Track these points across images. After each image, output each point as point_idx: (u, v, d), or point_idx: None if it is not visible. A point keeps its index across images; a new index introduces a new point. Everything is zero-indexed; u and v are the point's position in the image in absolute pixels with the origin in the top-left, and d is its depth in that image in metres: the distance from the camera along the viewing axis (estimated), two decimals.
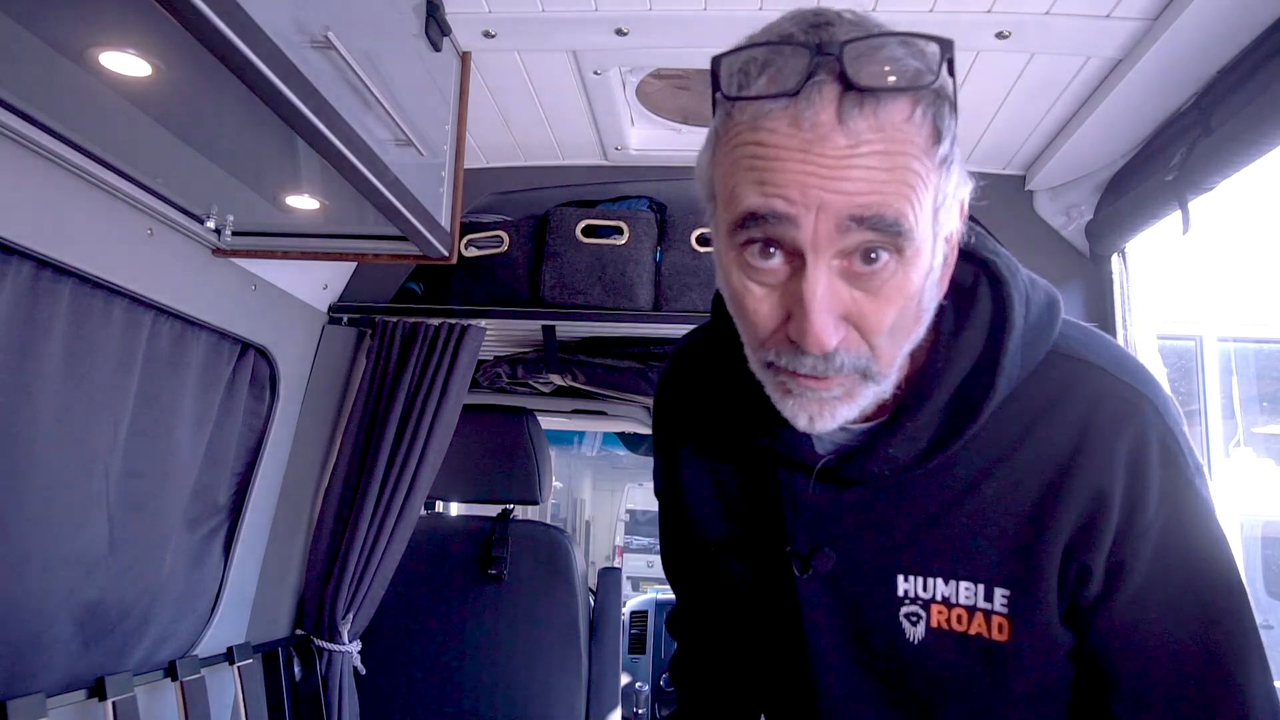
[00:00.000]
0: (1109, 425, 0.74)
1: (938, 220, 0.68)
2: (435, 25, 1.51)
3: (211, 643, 1.88)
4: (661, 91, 2.01)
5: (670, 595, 4.12)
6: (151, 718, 1.66)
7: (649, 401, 2.88)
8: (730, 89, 0.67)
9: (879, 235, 0.64)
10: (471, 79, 1.72)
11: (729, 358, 0.81)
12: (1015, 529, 0.75)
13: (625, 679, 3.33)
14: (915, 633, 0.79)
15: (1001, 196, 2.14)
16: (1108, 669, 0.77)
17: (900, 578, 0.79)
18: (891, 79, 0.63)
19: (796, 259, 0.66)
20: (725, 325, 0.80)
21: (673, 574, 1.14)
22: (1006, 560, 0.75)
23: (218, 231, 1.70)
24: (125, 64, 1.12)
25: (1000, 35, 1.60)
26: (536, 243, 2.24)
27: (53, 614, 1.47)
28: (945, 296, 0.76)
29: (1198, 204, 1.64)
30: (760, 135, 0.64)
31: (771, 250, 0.66)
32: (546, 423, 2.99)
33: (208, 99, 1.23)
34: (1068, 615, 0.77)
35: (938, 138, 0.65)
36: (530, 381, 2.49)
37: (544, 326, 2.24)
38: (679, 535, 1.05)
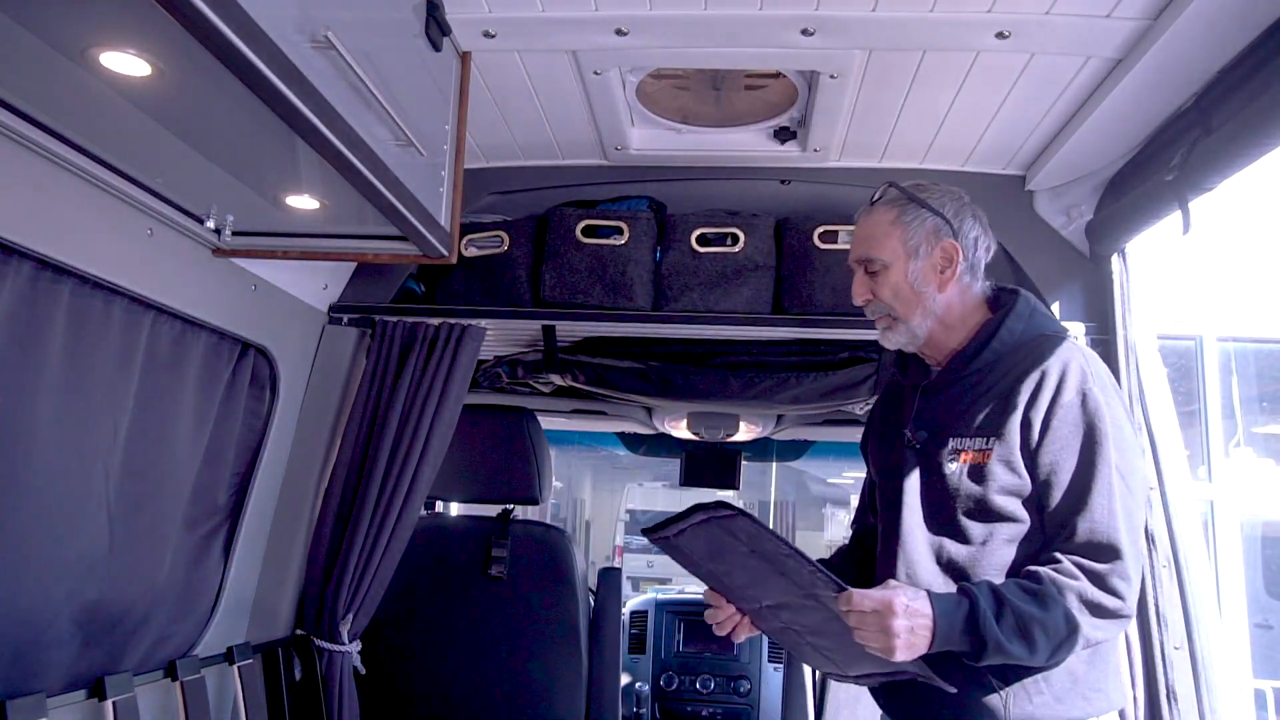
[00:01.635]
0: (1052, 352, 1.47)
1: (908, 251, 1.53)
2: (435, 25, 1.51)
3: (211, 643, 1.88)
4: (661, 91, 2.01)
5: (669, 596, 4.14)
6: (151, 718, 1.66)
7: (649, 401, 2.88)
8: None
9: (868, 262, 1.57)
10: (471, 79, 1.72)
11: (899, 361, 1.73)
12: (1001, 405, 1.47)
13: (625, 679, 3.33)
14: (953, 468, 1.50)
15: (1001, 196, 2.13)
16: (1044, 502, 1.43)
17: (952, 440, 1.51)
18: (874, 201, 1.59)
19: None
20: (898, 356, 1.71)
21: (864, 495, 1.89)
22: (996, 422, 1.47)
23: (218, 231, 1.70)
24: (125, 64, 1.12)
25: (1000, 35, 1.60)
26: (536, 243, 2.24)
27: (53, 614, 1.47)
28: (992, 309, 1.59)
29: (1198, 204, 1.64)
30: None
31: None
32: (546, 423, 2.99)
33: (208, 99, 1.23)
34: (1028, 459, 1.44)
35: (899, 215, 1.54)
36: (530, 381, 2.49)
37: (544, 326, 2.24)
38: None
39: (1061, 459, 1.41)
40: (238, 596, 1.99)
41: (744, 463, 3.98)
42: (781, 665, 3.42)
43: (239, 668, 1.87)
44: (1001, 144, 2.03)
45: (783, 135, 2.10)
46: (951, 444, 1.51)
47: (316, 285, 2.13)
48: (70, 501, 1.48)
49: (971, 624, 1.31)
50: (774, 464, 6.38)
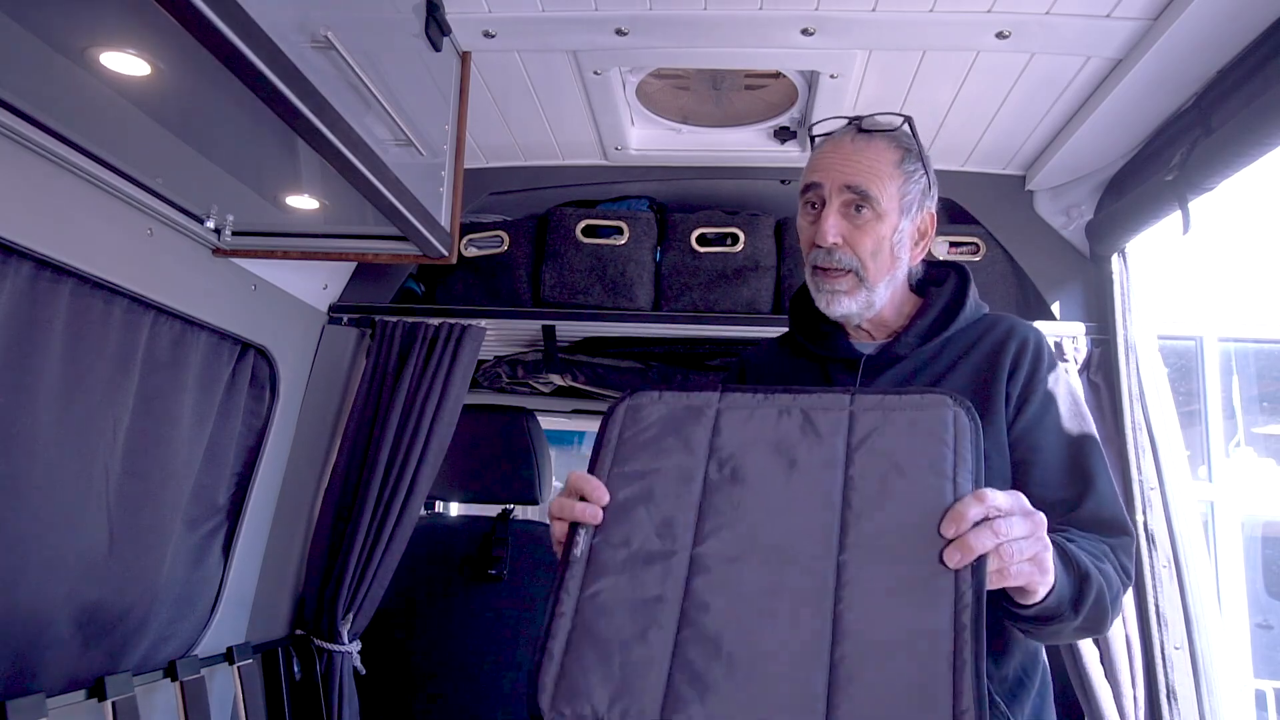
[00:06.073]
0: (1021, 328, 1.35)
1: (902, 207, 1.30)
2: (435, 25, 1.51)
3: (211, 643, 1.88)
4: (661, 91, 2.01)
5: None
6: (151, 718, 1.66)
7: None
8: (816, 134, 1.38)
9: (858, 198, 1.28)
10: (471, 79, 1.72)
11: (800, 331, 1.47)
12: (982, 384, 1.30)
13: None
14: None
15: (1001, 196, 2.13)
16: (1021, 470, 1.27)
17: None
18: (877, 129, 1.32)
19: (823, 207, 1.30)
20: (794, 324, 1.48)
21: None
22: (981, 400, 1.28)
23: (218, 231, 1.70)
24: (125, 64, 1.12)
25: (1000, 35, 1.60)
26: (536, 243, 2.24)
27: (53, 614, 1.47)
28: (934, 282, 1.41)
29: (1198, 204, 1.64)
30: (819, 151, 1.34)
31: (814, 205, 1.32)
32: (546, 423, 2.99)
33: (208, 99, 1.23)
34: (1010, 431, 1.29)
35: (901, 160, 1.31)
36: (530, 381, 2.49)
37: (544, 326, 2.24)
38: None
39: (1048, 434, 1.27)
40: (237, 596, 1.99)
41: None
42: None
43: (239, 668, 1.87)
44: (1001, 144, 2.03)
45: (783, 135, 2.10)
46: None
47: (316, 285, 2.13)
48: (70, 501, 1.48)
49: (1060, 550, 1.03)
50: None
